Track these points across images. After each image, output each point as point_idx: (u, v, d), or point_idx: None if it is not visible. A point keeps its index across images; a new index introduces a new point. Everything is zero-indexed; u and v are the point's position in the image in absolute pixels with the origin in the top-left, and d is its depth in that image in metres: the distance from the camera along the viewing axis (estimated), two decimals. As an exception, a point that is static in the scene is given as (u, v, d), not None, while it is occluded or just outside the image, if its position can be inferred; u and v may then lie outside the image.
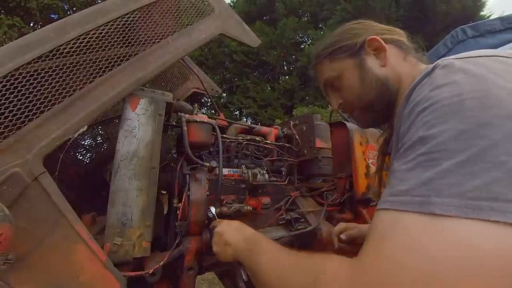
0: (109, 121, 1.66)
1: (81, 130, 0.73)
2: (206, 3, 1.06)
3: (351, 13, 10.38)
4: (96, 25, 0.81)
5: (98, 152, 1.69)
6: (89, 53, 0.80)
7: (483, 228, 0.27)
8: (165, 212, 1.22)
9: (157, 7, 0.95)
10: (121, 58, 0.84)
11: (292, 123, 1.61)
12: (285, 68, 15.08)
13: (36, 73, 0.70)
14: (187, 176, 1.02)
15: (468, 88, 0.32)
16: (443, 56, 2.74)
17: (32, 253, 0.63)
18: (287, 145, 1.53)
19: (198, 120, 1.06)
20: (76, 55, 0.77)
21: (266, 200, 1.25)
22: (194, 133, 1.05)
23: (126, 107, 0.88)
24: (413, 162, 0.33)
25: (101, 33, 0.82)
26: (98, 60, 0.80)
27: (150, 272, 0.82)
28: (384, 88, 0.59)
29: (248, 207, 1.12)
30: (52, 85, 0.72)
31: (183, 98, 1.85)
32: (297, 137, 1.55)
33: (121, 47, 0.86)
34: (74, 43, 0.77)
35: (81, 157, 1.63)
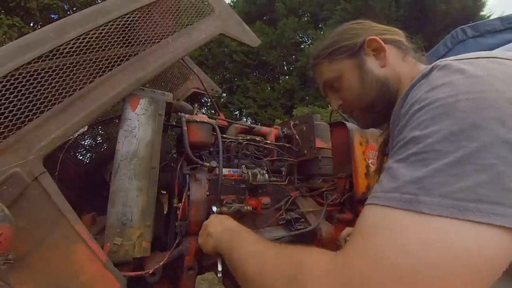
0: (109, 121, 1.66)
1: (81, 130, 0.73)
2: (206, 3, 1.06)
3: (351, 13, 10.38)
4: (96, 25, 0.81)
5: (98, 152, 1.69)
6: (89, 53, 0.80)
7: (468, 229, 0.27)
8: (165, 212, 1.22)
9: (157, 7, 0.95)
10: (121, 58, 0.84)
11: (292, 123, 1.61)
12: (285, 68, 15.08)
13: (36, 73, 0.70)
14: (187, 176, 1.02)
15: (464, 89, 0.32)
16: (443, 56, 2.75)
17: (32, 253, 0.63)
18: (287, 145, 1.53)
19: (198, 120, 1.06)
20: (76, 55, 0.77)
21: (266, 200, 1.25)
22: (194, 133, 1.05)
23: (126, 107, 0.88)
24: (405, 160, 0.34)
25: (101, 33, 0.82)
26: (98, 60, 0.80)
27: (150, 272, 0.82)
28: (384, 88, 0.59)
29: (248, 207, 1.12)
30: (52, 85, 0.72)
31: (183, 98, 1.85)
32: (297, 137, 1.55)
33: (121, 47, 0.86)
34: (74, 43, 0.77)
35: (81, 157, 1.63)
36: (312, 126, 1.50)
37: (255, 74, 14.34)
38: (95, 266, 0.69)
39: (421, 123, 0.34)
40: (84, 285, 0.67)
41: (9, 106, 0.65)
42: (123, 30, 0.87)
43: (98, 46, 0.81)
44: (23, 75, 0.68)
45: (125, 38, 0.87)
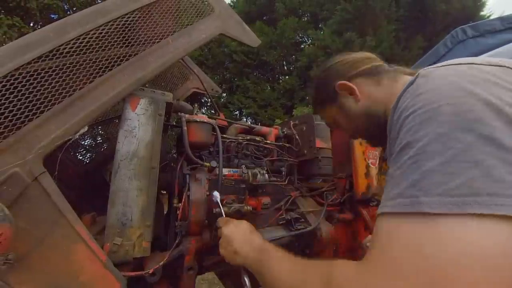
0: (109, 121, 1.66)
1: (82, 130, 0.73)
2: (206, 3, 1.06)
3: (351, 13, 10.36)
4: (96, 25, 0.81)
5: (98, 152, 1.69)
6: (89, 53, 0.80)
7: (471, 222, 0.29)
8: (165, 212, 1.22)
9: (157, 7, 0.95)
10: (121, 58, 0.84)
11: (292, 123, 1.61)
12: (285, 68, 15.08)
13: (36, 73, 0.70)
14: (187, 176, 1.02)
15: (445, 95, 0.35)
16: (443, 56, 2.75)
17: (32, 253, 0.63)
18: (287, 145, 1.53)
19: (198, 120, 1.06)
20: (76, 55, 0.77)
21: (266, 200, 1.25)
22: (194, 133, 1.05)
23: (126, 107, 0.88)
24: (403, 165, 0.36)
25: (101, 33, 0.82)
26: (98, 60, 0.80)
27: (150, 272, 0.82)
28: (369, 117, 0.66)
29: (248, 207, 1.12)
30: (52, 85, 0.72)
31: (183, 98, 1.85)
32: (297, 137, 1.55)
33: (121, 47, 0.86)
34: (74, 43, 0.77)
35: (81, 157, 1.63)
36: (312, 126, 1.50)
37: (255, 74, 14.32)
38: (95, 266, 0.69)
39: (410, 129, 0.37)
40: (84, 285, 0.67)
41: (9, 106, 0.65)
42: (123, 30, 0.87)
43: (98, 46, 0.81)
44: (23, 75, 0.68)
45: (125, 38, 0.87)
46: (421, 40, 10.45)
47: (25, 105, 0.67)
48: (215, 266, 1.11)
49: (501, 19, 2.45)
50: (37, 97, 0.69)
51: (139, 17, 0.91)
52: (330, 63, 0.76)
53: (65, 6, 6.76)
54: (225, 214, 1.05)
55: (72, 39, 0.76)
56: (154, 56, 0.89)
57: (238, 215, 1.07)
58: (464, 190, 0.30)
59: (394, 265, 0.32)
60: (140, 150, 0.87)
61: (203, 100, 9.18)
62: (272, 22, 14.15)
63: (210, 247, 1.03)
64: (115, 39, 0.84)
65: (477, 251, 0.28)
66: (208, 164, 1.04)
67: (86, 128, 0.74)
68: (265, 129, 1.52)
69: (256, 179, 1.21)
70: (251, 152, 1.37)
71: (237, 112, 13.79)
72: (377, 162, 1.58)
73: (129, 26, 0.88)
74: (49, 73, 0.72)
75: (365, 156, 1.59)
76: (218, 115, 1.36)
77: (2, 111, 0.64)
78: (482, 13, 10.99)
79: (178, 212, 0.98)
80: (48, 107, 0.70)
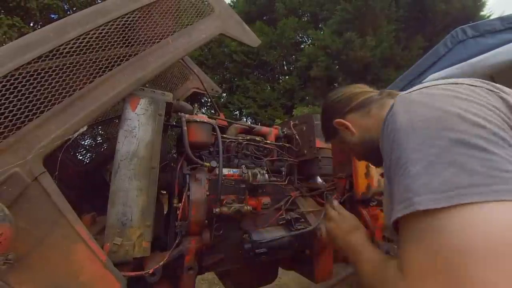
0: (109, 121, 1.66)
1: (81, 130, 0.73)
2: (206, 3, 1.06)
3: (351, 13, 10.35)
4: (96, 25, 0.81)
5: (98, 152, 1.69)
6: (89, 53, 0.80)
7: (459, 211, 0.33)
8: (165, 212, 1.22)
9: (157, 7, 0.95)
10: (121, 58, 0.84)
11: (292, 123, 1.61)
12: (285, 68, 15.06)
13: (36, 73, 0.70)
14: (187, 176, 1.02)
15: (418, 113, 0.44)
16: (443, 56, 2.75)
17: (32, 253, 0.63)
18: (287, 145, 1.53)
19: (198, 120, 1.06)
20: (76, 55, 0.77)
21: (266, 200, 1.25)
22: (194, 133, 1.05)
23: (126, 107, 0.88)
24: (396, 176, 0.43)
25: (101, 33, 0.82)
26: (98, 60, 0.80)
27: (150, 272, 0.82)
28: (366, 144, 0.75)
29: (248, 207, 1.12)
30: (52, 85, 0.72)
31: (183, 98, 1.85)
32: (297, 137, 1.55)
33: (121, 47, 0.86)
34: (74, 43, 0.77)
35: (81, 157, 1.63)
36: (312, 126, 1.50)
37: (255, 74, 14.30)
38: (95, 266, 0.69)
39: (395, 145, 0.44)
40: (84, 285, 0.67)
41: (9, 106, 0.65)
42: (123, 30, 0.87)
43: (98, 46, 0.81)
44: (23, 75, 0.68)
45: (125, 38, 0.87)
46: (421, 40, 10.44)
47: (25, 105, 0.67)
48: (215, 266, 1.12)
49: (501, 19, 2.45)
50: (37, 97, 0.69)
51: (139, 17, 0.91)
52: (327, 101, 0.88)
53: (65, 6, 6.75)
54: (225, 214, 1.05)
55: (72, 39, 0.76)
56: (154, 56, 0.89)
57: (238, 215, 1.08)
58: (446, 186, 0.35)
59: (417, 265, 0.37)
60: (140, 150, 0.87)
61: (203, 100, 9.18)
62: (272, 22, 14.13)
63: (210, 247, 1.03)
64: (115, 39, 0.84)
65: (469, 234, 0.32)
66: (208, 164, 1.04)
67: (85, 128, 0.74)
68: (265, 129, 1.52)
69: (256, 179, 1.21)
70: (251, 152, 1.37)
71: (237, 112, 13.78)
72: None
73: (129, 26, 0.88)
74: (49, 73, 0.72)
75: (365, 156, 1.59)
76: (218, 115, 1.36)
77: (2, 111, 0.64)
78: (482, 13, 10.98)
79: (178, 212, 0.98)
80: (48, 107, 0.70)
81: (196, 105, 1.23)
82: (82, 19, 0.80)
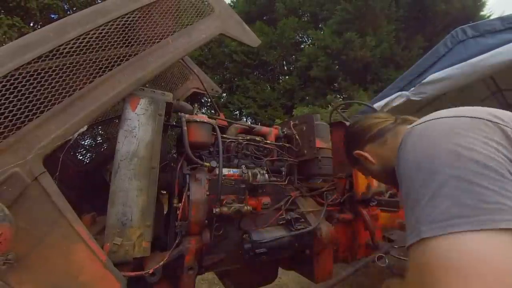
0: (109, 121, 1.66)
1: (81, 130, 0.73)
2: (206, 3, 1.06)
3: (351, 13, 10.35)
4: (96, 25, 0.81)
5: (98, 152, 1.69)
6: (89, 53, 0.80)
7: (455, 239, 0.40)
8: (165, 212, 1.22)
9: (157, 7, 0.95)
10: (121, 58, 0.84)
11: (292, 123, 1.61)
12: (285, 68, 15.07)
13: (36, 73, 0.70)
14: (187, 176, 1.02)
15: (422, 151, 0.50)
16: (443, 56, 2.75)
17: (32, 253, 0.63)
18: (287, 145, 1.53)
19: (198, 120, 1.06)
20: (76, 55, 0.77)
21: (266, 200, 1.25)
22: (194, 133, 1.05)
23: (126, 107, 0.88)
24: (410, 209, 0.49)
25: (101, 33, 0.82)
26: (98, 60, 0.80)
27: (150, 272, 0.82)
28: (386, 171, 0.79)
29: (248, 207, 1.11)
30: (52, 85, 0.72)
31: (183, 98, 1.85)
32: (297, 137, 1.55)
33: (121, 47, 0.86)
34: (74, 43, 0.77)
35: (81, 157, 1.63)
36: (312, 126, 1.50)
37: (255, 74, 14.30)
38: (95, 266, 0.69)
39: (405, 176, 0.52)
40: (84, 285, 0.67)
41: (9, 106, 0.65)
42: (123, 30, 0.87)
43: (98, 46, 0.81)
44: (23, 75, 0.68)
45: (125, 38, 0.87)
46: (421, 40, 10.45)
47: (25, 105, 0.67)
48: (215, 266, 1.12)
49: (501, 19, 2.45)
50: (37, 97, 0.69)
51: (139, 17, 0.91)
52: (347, 132, 0.96)
53: (65, 6, 6.75)
54: (225, 214, 1.05)
55: (72, 39, 0.76)
56: (154, 56, 0.89)
57: (238, 215, 1.08)
58: (443, 217, 0.41)
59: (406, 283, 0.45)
60: (140, 150, 0.87)
61: (203, 100, 9.18)
62: (272, 22, 14.13)
63: (210, 247, 1.03)
64: (115, 39, 0.84)
65: (457, 257, 0.39)
66: (208, 164, 1.03)
67: (85, 128, 0.74)
68: (265, 129, 1.52)
69: (256, 179, 1.21)
70: (251, 152, 1.37)
71: (237, 112, 13.78)
72: None
73: (129, 26, 0.88)
74: (49, 73, 0.72)
75: (365, 156, 1.59)
76: (218, 115, 1.36)
77: (2, 111, 0.64)
78: (482, 13, 10.99)
79: (178, 212, 0.98)
80: (48, 107, 0.70)
81: (196, 105, 1.23)
82: (82, 19, 0.80)
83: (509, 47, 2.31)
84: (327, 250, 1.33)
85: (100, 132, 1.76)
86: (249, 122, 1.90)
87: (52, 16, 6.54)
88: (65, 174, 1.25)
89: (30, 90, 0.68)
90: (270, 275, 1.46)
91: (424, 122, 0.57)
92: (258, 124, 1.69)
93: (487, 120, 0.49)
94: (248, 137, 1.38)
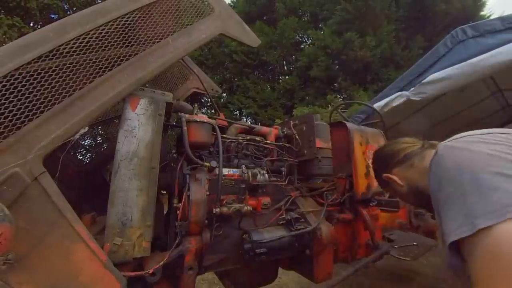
0: (109, 121, 1.66)
1: (82, 131, 0.73)
2: (206, 3, 1.06)
3: (351, 13, 10.34)
4: (96, 25, 0.81)
5: (98, 152, 1.69)
6: (89, 53, 0.80)
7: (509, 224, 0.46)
8: (165, 212, 1.22)
9: (157, 7, 0.95)
10: (121, 58, 0.84)
11: (292, 123, 1.61)
12: (285, 68, 15.06)
13: (36, 73, 0.70)
14: (187, 176, 1.02)
15: (461, 157, 0.58)
16: (443, 56, 2.75)
17: (32, 253, 0.63)
18: (287, 145, 1.53)
19: (198, 120, 1.06)
20: (76, 55, 0.77)
21: (266, 200, 1.25)
22: (194, 133, 1.05)
23: (126, 107, 0.88)
24: (454, 208, 0.54)
25: (101, 33, 0.82)
26: (98, 60, 0.80)
27: (150, 272, 0.82)
28: (414, 192, 0.86)
29: (248, 207, 1.12)
30: (52, 85, 0.72)
31: (183, 98, 1.85)
32: (297, 137, 1.55)
33: (121, 47, 0.86)
34: (74, 43, 0.77)
35: (81, 157, 1.63)
36: (312, 126, 1.50)
37: (255, 74, 14.28)
38: (95, 266, 0.69)
39: (445, 180, 0.58)
40: (84, 285, 0.67)
41: (9, 106, 0.65)
42: (123, 30, 0.87)
43: (98, 46, 0.81)
44: (23, 75, 0.68)
45: (125, 38, 0.87)
46: (421, 40, 10.44)
47: (25, 105, 0.67)
48: (215, 266, 1.12)
49: (501, 19, 2.45)
50: (37, 97, 0.69)
51: (139, 17, 0.91)
52: (376, 156, 1.02)
53: (65, 6, 6.75)
54: (225, 214, 1.05)
55: (72, 39, 0.76)
56: (154, 56, 0.89)
57: (238, 215, 1.08)
58: (498, 206, 0.46)
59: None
60: (140, 150, 0.87)
61: (203, 100, 9.17)
62: (272, 22, 14.13)
63: (210, 247, 1.03)
64: (115, 39, 0.84)
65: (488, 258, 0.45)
66: (208, 164, 1.03)
67: (86, 128, 0.74)
68: (265, 129, 1.52)
69: (256, 179, 1.21)
70: (251, 152, 1.37)
71: (237, 112, 13.78)
72: None
73: (129, 26, 0.88)
74: (49, 73, 0.72)
75: (365, 156, 1.59)
76: (218, 115, 1.36)
77: (2, 111, 0.64)
78: (482, 13, 10.98)
79: (178, 212, 0.98)
80: (48, 107, 0.70)
81: (196, 105, 1.23)
82: (82, 19, 0.80)
83: (509, 47, 2.31)
84: (327, 250, 1.33)
85: (100, 132, 1.76)
86: (249, 122, 1.90)
87: (52, 16, 6.54)
88: (65, 174, 1.25)
89: (30, 90, 0.68)
90: (270, 275, 1.46)
91: (456, 138, 0.65)
92: (258, 124, 1.69)
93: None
94: (248, 137, 1.38)
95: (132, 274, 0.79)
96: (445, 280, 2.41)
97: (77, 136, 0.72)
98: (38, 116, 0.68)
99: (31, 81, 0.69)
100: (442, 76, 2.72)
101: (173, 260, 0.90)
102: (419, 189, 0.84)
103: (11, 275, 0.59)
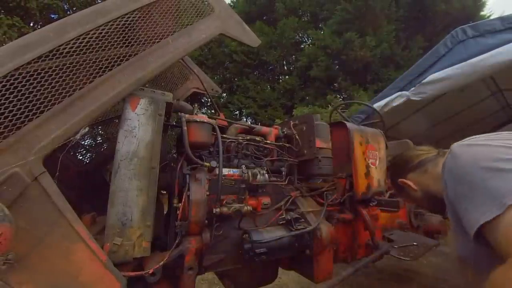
0: (109, 121, 1.66)
1: (82, 131, 0.73)
2: (206, 3, 1.06)
3: (351, 13, 10.33)
4: (96, 25, 0.81)
5: (98, 152, 1.69)
6: (89, 53, 0.80)
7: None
8: (165, 212, 1.22)
9: (157, 7, 0.95)
10: (121, 58, 0.84)
11: (292, 123, 1.61)
12: (285, 68, 15.05)
13: (36, 73, 0.70)
14: (187, 176, 1.02)
15: (476, 152, 0.62)
16: (443, 56, 2.75)
17: (32, 253, 0.63)
18: (287, 145, 1.53)
19: (198, 120, 1.06)
20: (76, 55, 0.77)
21: (266, 200, 1.25)
22: (194, 133, 1.05)
23: (126, 107, 0.88)
24: (476, 198, 0.57)
25: (101, 33, 0.82)
26: (98, 60, 0.80)
27: (150, 272, 0.82)
28: (428, 198, 0.91)
29: (248, 207, 1.12)
30: (52, 85, 0.72)
31: (183, 98, 1.85)
32: (297, 137, 1.55)
33: (121, 47, 0.86)
34: (74, 43, 0.77)
35: (81, 157, 1.63)
36: (312, 126, 1.50)
37: (255, 74, 14.27)
38: (95, 266, 0.69)
39: (462, 175, 0.63)
40: (84, 285, 0.67)
41: (9, 106, 0.65)
42: (123, 30, 0.87)
43: (98, 46, 0.81)
44: (23, 75, 0.68)
45: (125, 38, 0.87)
46: (421, 40, 10.43)
47: (25, 105, 0.67)
48: (215, 266, 1.12)
49: (501, 19, 2.45)
50: (37, 97, 0.69)
51: (139, 17, 0.91)
52: (393, 162, 1.07)
53: (65, 6, 6.74)
54: (225, 214, 1.05)
55: (72, 39, 0.76)
56: (154, 56, 0.89)
57: (238, 215, 1.08)
58: (497, 195, 0.53)
59: None
60: (140, 150, 0.87)
61: (203, 100, 9.17)
62: (272, 22, 14.13)
63: (210, 247, 1.03)
64: (115, 39, 0.84)
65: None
66: (208, 164, 1.03)
67: (87, 129, 0.74)
68: (265, 129, 1.52)
69: (256, 179, 1.21)
70: (251, 152, 1.37)
71: (237, 112, 13.77)
72: (377, 162, 1.60)
73: (129, 26, 0.88)
74: (49, 73, 0.72)
75: (365, 156, 1.59)
76: (218, 115, 1.36)
77: (2, 111, 0.64)
78: (482, 13, 10.98)
79: (178, 212, 0.98)
80: (48, 107, 0.70)
81: (196, 105, 1.23)
82: (82, 19, 0.80)
83: (509, 47, 2.31)
84: (327, 250, 1.33)
85: (100, 132, 1.76)
86: (249, 122, 1.90)
87: (52, 16, 6.54)
88: (65, 174, 1.25)
89: (30, 90, 0.68)
90: (270, 275, 1.46)
91: (468, 139, 0.69)
92: (258, 124, 1.69)
93: None
94: (248, 137, 1.38)
95: (132, 274, 0.79)
96: (445, 280, 2.42)
97: (77, 136, 0.72)
98: (38, 116, 0.68)
99: (31, 81, 0.69)
100: (442, 76, 2.72)
101: (173, 260, 0.90)
102: (432, 193, 0.87)
103: (11, 275, 0.59)
